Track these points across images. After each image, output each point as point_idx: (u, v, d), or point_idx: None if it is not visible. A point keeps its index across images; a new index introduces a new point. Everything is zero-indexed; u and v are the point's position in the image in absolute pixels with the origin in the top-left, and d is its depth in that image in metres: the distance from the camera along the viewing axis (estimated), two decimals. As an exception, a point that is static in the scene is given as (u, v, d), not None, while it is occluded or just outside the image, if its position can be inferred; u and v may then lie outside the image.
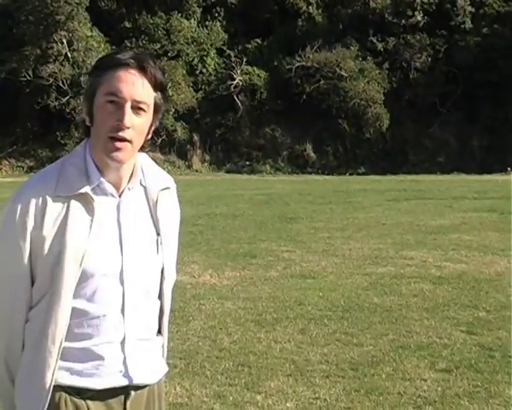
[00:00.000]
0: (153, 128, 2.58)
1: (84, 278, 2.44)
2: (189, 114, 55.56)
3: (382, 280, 11.61)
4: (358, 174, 51.61)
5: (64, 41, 54.30)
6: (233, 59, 57.44)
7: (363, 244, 15.49)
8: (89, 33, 55.50)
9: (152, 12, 57.45)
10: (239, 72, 56.48)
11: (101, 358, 2.50)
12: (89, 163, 2.51)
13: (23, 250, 2.46)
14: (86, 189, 2.46)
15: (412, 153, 54.81)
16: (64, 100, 53.89)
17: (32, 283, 2.49)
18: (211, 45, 57.85)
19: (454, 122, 54.91)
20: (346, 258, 13.74)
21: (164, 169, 2.69)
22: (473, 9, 59.13)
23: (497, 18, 58.41)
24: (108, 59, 2.52)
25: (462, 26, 58.80)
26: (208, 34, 57.74)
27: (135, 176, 2.56)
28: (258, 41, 58.19)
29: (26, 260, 2.46)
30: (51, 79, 53.31)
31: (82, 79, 53.93)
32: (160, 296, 2.63)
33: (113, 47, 56.73)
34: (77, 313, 2.47)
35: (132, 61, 2.44)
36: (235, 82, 55.99)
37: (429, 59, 58.39)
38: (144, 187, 2.59)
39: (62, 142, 54.57)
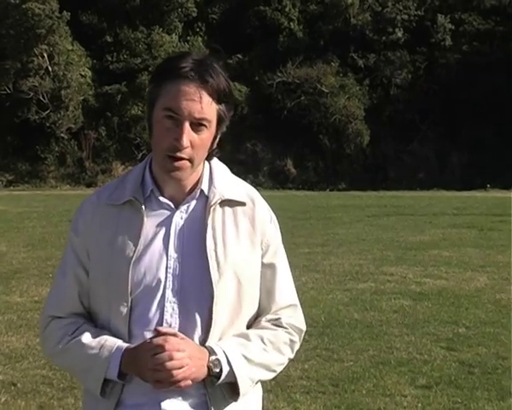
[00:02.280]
0: (217, 139, 2.43)
1: (131, 290, 2.33)
2: (170, 128, 55.49)
3: (363, 296, 11.60)
4: (339, 190, 51.73)
5: (45, 55, 54.17)
6: (214, 74, 57.46)
7: (344, 260, 15.49)
8: (70, 47, 55.40)
9: (133, 26, 57.48)
10: (220, 87, 56.51)
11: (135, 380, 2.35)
12: (146, 173, 2.45)
13: (73, 261, 2.43)
14: (136, 197, 2.38)
15: (392, 169, 55.01)
16: (44, 114, 53.73)
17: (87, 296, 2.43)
18: (192, 60, 57.86)
19: (434, 139, 55.21)
20: (327, 274, 13.73)
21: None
22: (453, 27, 59.57)
23: (477, 35, 58.89)
24: (169, 67, 2.35)
25: (443, 43, 59.23)
26: (189, 49, 57.68)
27: (198, 187, 2.42)
28: (240, 56, 58.33)
29: (75, 271, 2.43)
30: (31, 93, 53.14)
31: (62, 92, 53.86)
32: (211, 322, 2.35)
33: (94, 61, 56.81)
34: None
35: (193, 73, 2.28)
36: (216, 97, 55.99)
37: (409, 76, 58.73)
38: (207, 198, 2.42)
39: (42, 156, 54.38)
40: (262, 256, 2.48)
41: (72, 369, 2.49)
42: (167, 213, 2.40)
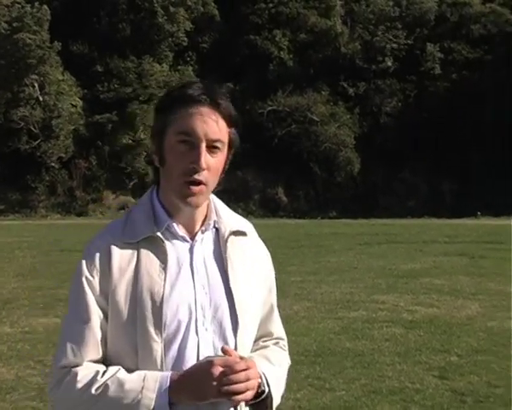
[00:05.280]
0: (227, 165, 2.40)
1: (164, 326, 2.27)
2: (161, 157, 55.65)
3: (354, 324, 11.57)
4: (330, 218, 51.77)
5: (35, 85, 54.32)
6: (204, 103, 57.88)
7: (335, 288, 15.46)
8: (60, 77, 55.56)
9: (124, 56, 57.69)
10: (211, 116, 56.84)
11: None
12: (156, 206, 2.37)
13: (92, 305, 2.29)
14: (154, 232, 2.31)
15: (383, 197, 55.17)
16: (35, 143, 53.79)
17: (105, 338, 2.31)
18: (183, 89, 58.18)
19: (424, 167, 55.40)
20: (318, 302, 13.69)
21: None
22: (442, 55, 60.01)
23: (466, 64, 59.29)
24: (178, 94, 2.32)
25: (432, 71, 59.64)
26: (180, 78, 57.98)
27: (209, 218, 2.39)
28: (230, 85, 58.55)
29: (96, 315, 2.29)
30: (22, 123, 53.24)
31: (53, 122, 53.93)
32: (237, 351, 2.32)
33: (85, 91, 56.93)
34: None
35: (204, 97, 2.27)
36: (206, 126, 56.30)
37: (399, 104, 59.08)
38: (217, 229, 2.41)
39: (33, 185, 54.36)
40: (263, 286, 2.50)
41: None
42: (185, 245, 2.36)
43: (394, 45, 60.64)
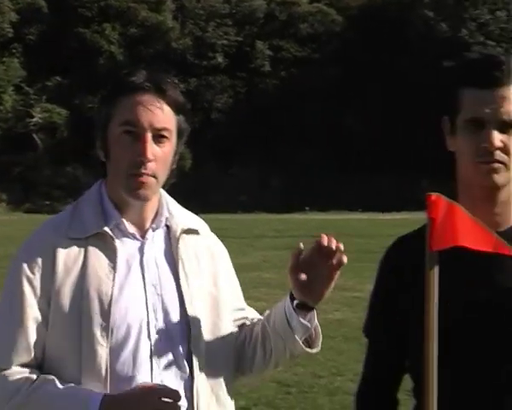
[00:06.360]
0: (177, 156, 2.33)
1: (112, 330, 2.11)
2: (-15, 152, 53.82)
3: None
4: (162, 214, 51.71)
5: None
6: (32, 96, 56.29)
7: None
8: None
9: None
10: (38, 109, 55.40)
11: None
12: (105, 202, 2.23)
13: (29, 306, 2.11)
14: (104, 229, 2.17)
15: (214, 192, 55.55)
16: None
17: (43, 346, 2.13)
18: (8, 82, 56.40)
19: (255, 162, 56.22)
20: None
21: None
22: (271, 53, 61.09)
23: (294, 62, 60.64)
24: (120, 82, 2.21)
25: (262, 68, 60.61)
26: (5, 70, 56.29)
27: (160, 214, 2.28)
28: (59, 78, 57.39)
29: (31, 317, 2.11)
30: None
31: None
32: (190, 355, 2.20)
33: None
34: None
35: (148, 83, 2.15)
36: (34, 120, 54.84)
37: (231, 100, 59.67)
38: (168, 227, 2.28)
39: None
40: (222, 279, 2.42)
41: None
42: (135, 243, 2.23)
43: (225, 42, 61.20)
